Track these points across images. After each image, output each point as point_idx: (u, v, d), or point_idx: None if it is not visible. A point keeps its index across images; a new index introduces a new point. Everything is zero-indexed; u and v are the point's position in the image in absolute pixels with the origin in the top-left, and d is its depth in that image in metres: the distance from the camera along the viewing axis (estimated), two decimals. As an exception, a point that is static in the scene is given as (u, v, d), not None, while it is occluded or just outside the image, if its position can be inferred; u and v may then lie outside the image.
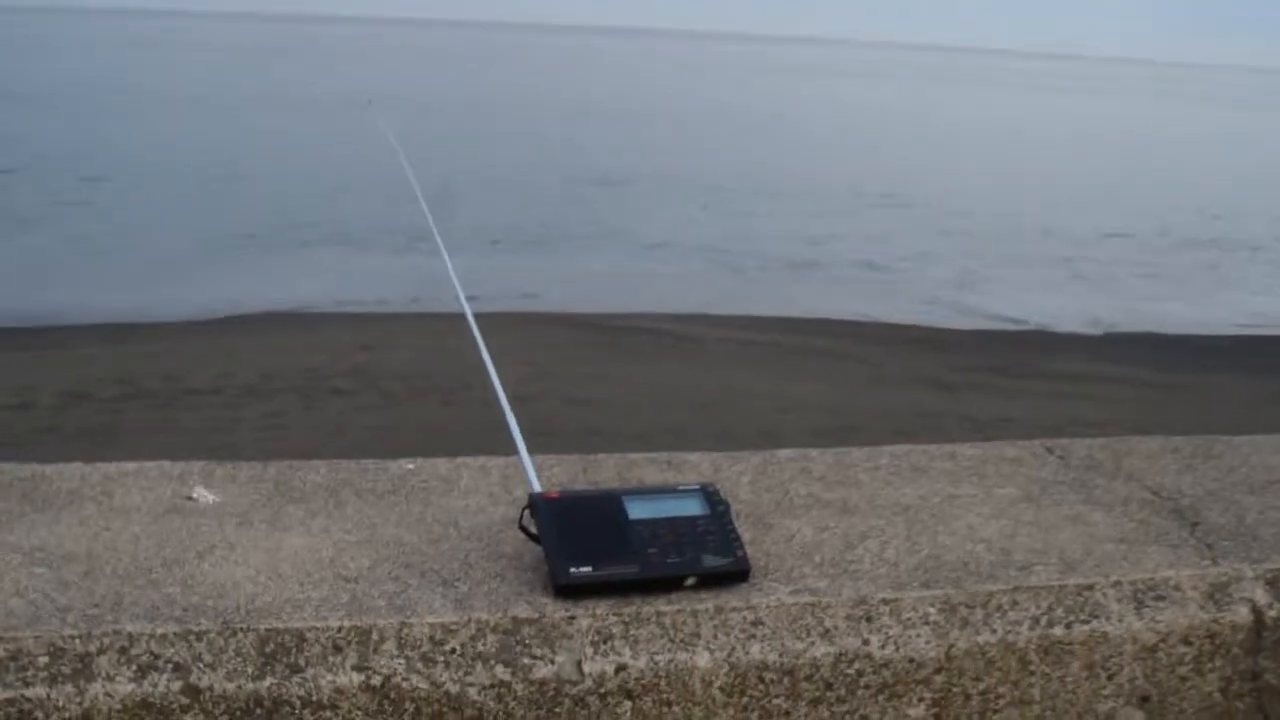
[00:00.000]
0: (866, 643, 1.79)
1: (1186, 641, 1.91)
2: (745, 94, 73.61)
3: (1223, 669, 1.93)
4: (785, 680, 1.76)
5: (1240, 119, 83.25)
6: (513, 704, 1.67)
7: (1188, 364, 14.28)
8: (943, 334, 15.48)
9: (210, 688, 1.60)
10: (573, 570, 1.76)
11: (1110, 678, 1.88)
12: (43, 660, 1.59)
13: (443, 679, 1.66)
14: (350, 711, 1.64)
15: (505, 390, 2.11)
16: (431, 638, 1.68)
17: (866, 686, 1.79)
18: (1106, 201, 30.39)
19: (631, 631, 1.73)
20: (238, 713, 1.61)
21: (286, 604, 1.71)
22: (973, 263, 21.07)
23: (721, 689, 1.74)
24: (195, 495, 2.07)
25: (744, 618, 1.77)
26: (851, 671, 1.78)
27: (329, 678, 1.63)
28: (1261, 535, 2.11)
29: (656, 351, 13.70)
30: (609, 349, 13.69)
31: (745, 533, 2.00)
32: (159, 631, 1.63)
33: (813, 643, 1.77)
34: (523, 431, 2.04)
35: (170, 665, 1.61)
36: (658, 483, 2.21)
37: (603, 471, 2.28)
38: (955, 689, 1.82)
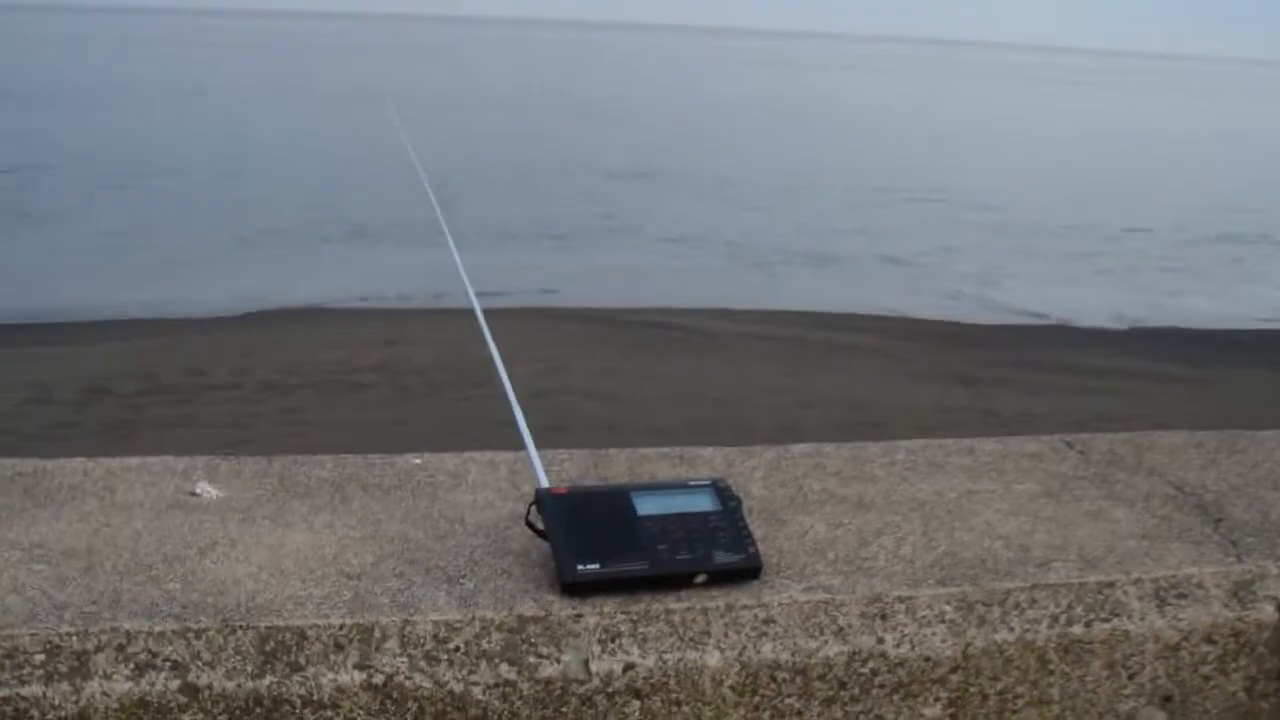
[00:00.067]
0: (881, 641, 1.75)
1: (1210, 640, 1.86)
2: (755, 88, 73.45)
3: (1247, 668, 1.88)
4: (798, 680, 1.72)
5: (1251, 112, 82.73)
6: (518, 703, 1.64)
7: (1213, 358, 14.18)
8: (966, 328, 15.41)
9: (209, 686, 1.57)
10: (580, 567, 1.72)
11: (1131, 677, 1.84)
12: (39, 658, 1.56)
13: (446, 678, 1.62)
14: (352, 711, 1.60)
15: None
16: (435, 636, 1.65)
17: (881, 686, 1.75)
18: (1126, 196, 30.23)
19: (640, 630, 1.69)
20: (237, 712, 1.58)
21: (288, 601, 1.68)
22: (995, 257, 20.98)
23: (732, 688, 1.70)
24: (199, 491, 2.04)
25: (755, 615, 1.73)
26: (866, 671, 1.74)
27: (330, 676, 1.60)
28: None
29: (675, 347, 13.66)
30: (627, 344, 13.65)
31: (757, 529, 1.96)
32: (157, 629, 1.60)
33: (826, 641, 1.73)
34: (533, 427, 2.01)
35: (168, 664, 1.58)
36: (669, 478, 2.17)
37: (614, 466, 2.24)
38: (972, 689, 1.78)
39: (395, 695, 1.61)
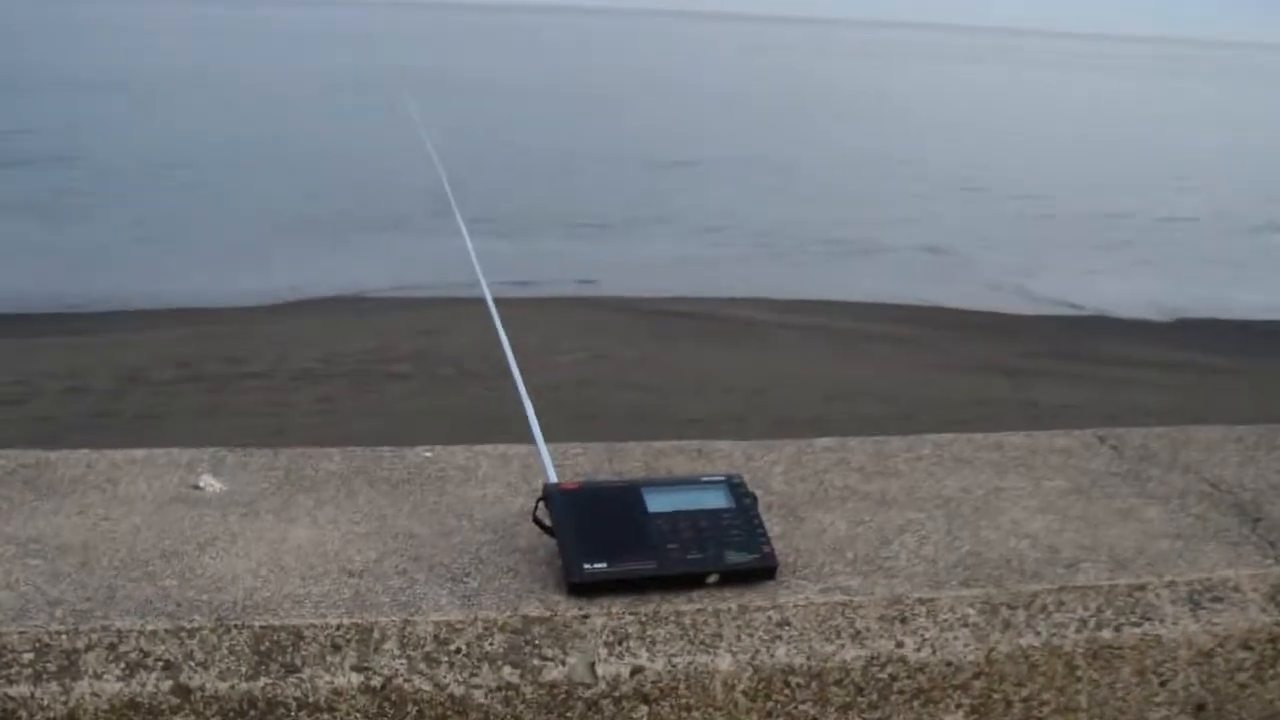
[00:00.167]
0: (900, 645, 1.68)
1: (1246, 646, 1.78)
2: (772, 76, 73.03)
3: None
4: (813, 684, 1.65)
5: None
6: (521, 708, 1.58)
7: (1258, 349, 13.99)
8: (1006, 319, 15.28)
9: (201, 688, 1.52)
10: (587, 567, 1.66)
11: (1163, 684, 1.76)
12: (27, 657, 1.52)
13: (447, 681, 1.56)
14: (348, 714, 1.55)
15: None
16: (436, 637, 1.59)
17: (900, 692, 1.68)
18: (1169, 185, 29.88)
19: (649, 632, 1.63)
20: (230, 714, 1.53)
21: (286, 599, 1.63)
22: (1035, 247, 20.79)
23: (744, 693, 1.63)
24: (202, 484, 1.99)
25: (769, 618, 1.67)
26: (884, 676, 1.67)
27: (326, 678, 1.55)
28: None
29: (712, 336, 13.61)
30: (663, 334, 13.61)
31: (775, 526, 1.90)
32: (149, 628, 1.55)
33: (843, 645, 1.67)
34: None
35: (160, 663, 1.53)
36: (684, 473, 2.11)
37: (629, 461, 2.18)
38: (995, 695, 1.71)
39: (394, 698, 1.55)
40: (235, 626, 1.57)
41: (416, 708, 1.56)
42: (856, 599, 1.71)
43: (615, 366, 11.66)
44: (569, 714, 1.59)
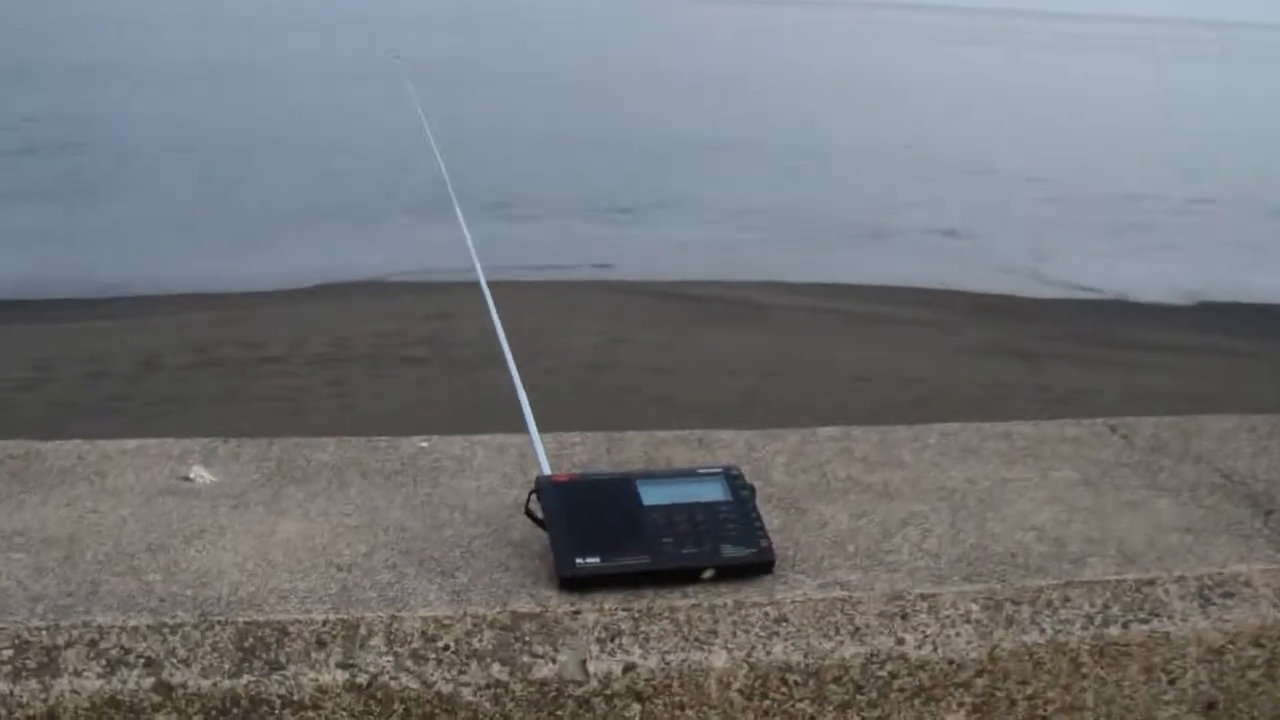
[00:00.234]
0: (901, 642, 1.64)
1: (1258, 644, 1.74)
2: (778, 60, 72.63)
3: None
4: (810, 682, 1.61)
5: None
6: (510, 706, 1.54)
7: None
8: (1022, 302, 15.19)
9: (183, 685, 1.49)
10: (579, 561, 1.62)
11: (1172, 682, 1.72)
12: (6, 653, 1.49)
13: (434, 678, 1.53)
14: (334, 712, 1.52)
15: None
16: (424, 633, 1.56)
17: (900, 690, 1.64)
18: (1182, 167, 29.68)
19: (642, 628, 1.59)
20: (212, 712, 1.50)
21: (271, 594, 1.60)
22: (1051, 230, 20.67)
23: (740, 691, 1.60)
24: (193, 475, 1.96)
25: (766, 614, 1.63)
26: (884, 673, 1.63)
27: (311, 675, 1.51)
28: None
29: (732, 320, 13.56)
30: (684, 317, 13.57)
31: (775, 519, 1.86)
32: (131, 624, 1.52)
33: (841, 641, 1.63)
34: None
35: (141, 660, 1.50)
36: (684, 463, 2.07)
37: (628, 451, 2.14)
38: (999, 693, 1.67)
39: (379, 696, 1.52)
40: (219, 622, 1.54)
41: (403, 705, 1.52)
42: (856, 594, 1.67)
43: (633, 350, 11.62)
44: (559, 712, 1.56)
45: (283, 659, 1.52)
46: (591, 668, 1.56)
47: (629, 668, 1.57)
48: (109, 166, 23.75)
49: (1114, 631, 1.69)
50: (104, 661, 1.50)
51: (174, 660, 1.50)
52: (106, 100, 33.49)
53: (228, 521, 1.81)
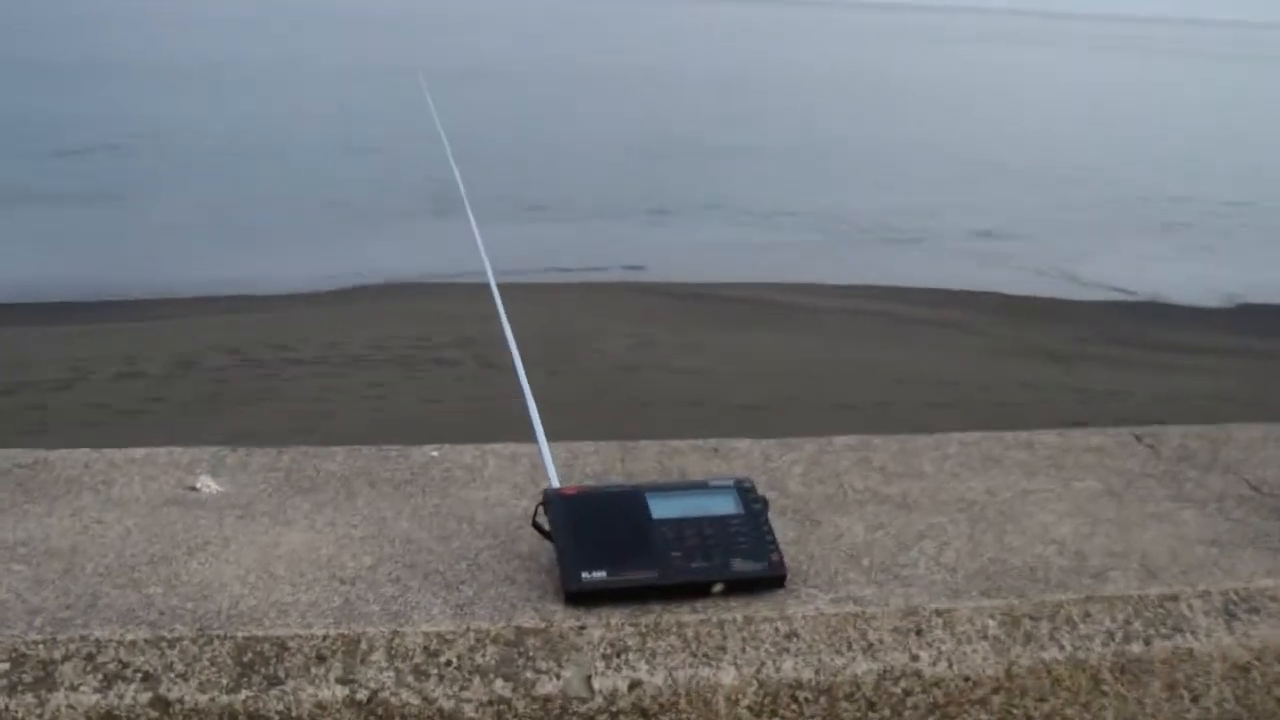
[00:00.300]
0: (915, 658, 1.60)
1: None
2: (818, 59, 72.44)
3: None
4: (821, 700, 1.57)
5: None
6: None
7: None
8: (1057, 304, 15.09)
9: (181, 700, 1.47)
10: (585, 575, 1.59)
11: (1195, 700, 1.67)
12: (3, 667, 1.47)
13: (435, 694, 1.50)
14: None
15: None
16: (426, 648, 1.53)
17: (914, 708, 1.60)
18: (1223, 168, 29.39)
19: (649, 644, 1.56)
20: None
21: (272, 608, 1.57)
22: (1090, 231, 20.52)
23: (749, 709, 1.56)
24: (199, 485, 1.94)
25: (776, 629, 1.59)
26: (898, 690, 1.59)
27: (310, 691, 1.49)
28: None
29: (764, 322, 13.52)
30: (714, 319, 13.54)
31: (789, 531, 1.82)
32: (129, 638, 1.50)
33: (854, 658, 1.59)
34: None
35: (139, 675, 1.48)
36: (699, 473, 2.04)
37: (642, 460, 2.10)
38: (1016, 711, 1.62)
39: (380, 712, 1.49)
40: (218, 637, 1.51)
41: None
42: (869, 610, 1.63)
43: (665, 352, 11.60)
44: None
45: (281, 674, 1.49)
46: (597, 684, 1.53)
47: (635, 684, 1.53)
48: (142, 168, 23.87)
49: (1136, 648, 1.65)
50: (101, 675, 1.47)
51: (171, 675, 1.48)
52: (137, 101, 33.72)
53: (232, 533, 1.79)
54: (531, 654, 1.53)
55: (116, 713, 1.46)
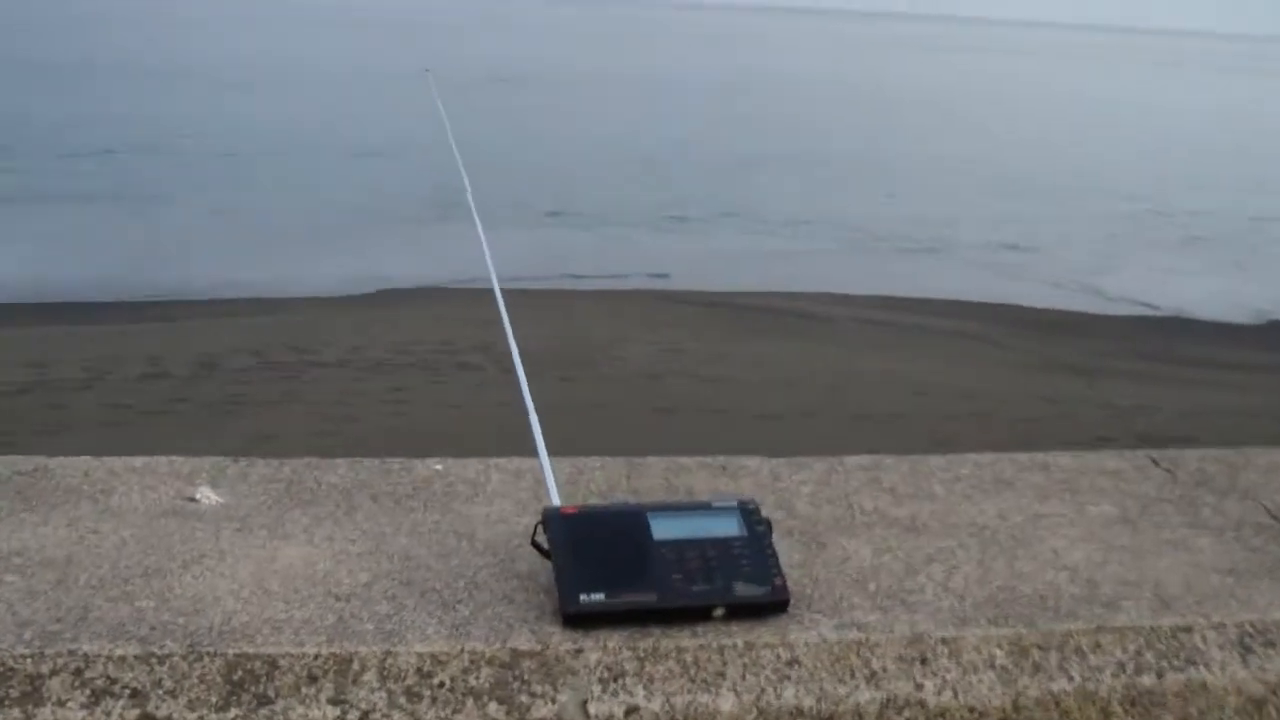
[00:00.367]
0: (920, 688, 1.56)
1: None
2: (849, 69, 72.27)
3: None
4: None
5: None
6: None
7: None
8: (1080, 318, 14.98)
9: (169, 717, 1.44)
10: (583, 597, 1.56)
11: None
12: None
13: (428, 716, 1.47)
14: None
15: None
16: (419, 669, 1.50)
17: None
18: (1241, 182, 29.19)
19: (647, 668, 1.53)
20: None
21: (265, 625, 1.55)
22: (1116, 245, 20.40)
23: None
24: (198, 496, 1.92)
25: (778, 655, 1.56)
26: None
27: (300, 711, 1.46)
28: None
29: (786, 331, 13.46)
30: (739, 328, 13.49)
31: (795, 553, 1.79)
32: (118, 653, 1.48)
33: (856, 686, 1.55)
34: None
35: (127, 691, 1.45)
36: (706, 491, 2.00)
37: (648, 477, 2.07)
38: None
39: None
40: (208, 654, 1.49)
41: None
42: (873, 637, 1.59)
43: (688, 360, 11.56)
44: None
45: (271, 693, 1.47)
46: (592, 709, 1.50)
47: (632, 710, 1.50)
48: (168, 170, 23.95)
49: (1147, 680, 1.61)
50: (89, 691, 1.45)
51: (160, 692, 1.45)
52: (161, 102, 33.86)
53: (229, 546, 1.76)
54: (527, 677, 1.51)
55: None
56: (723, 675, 1.53)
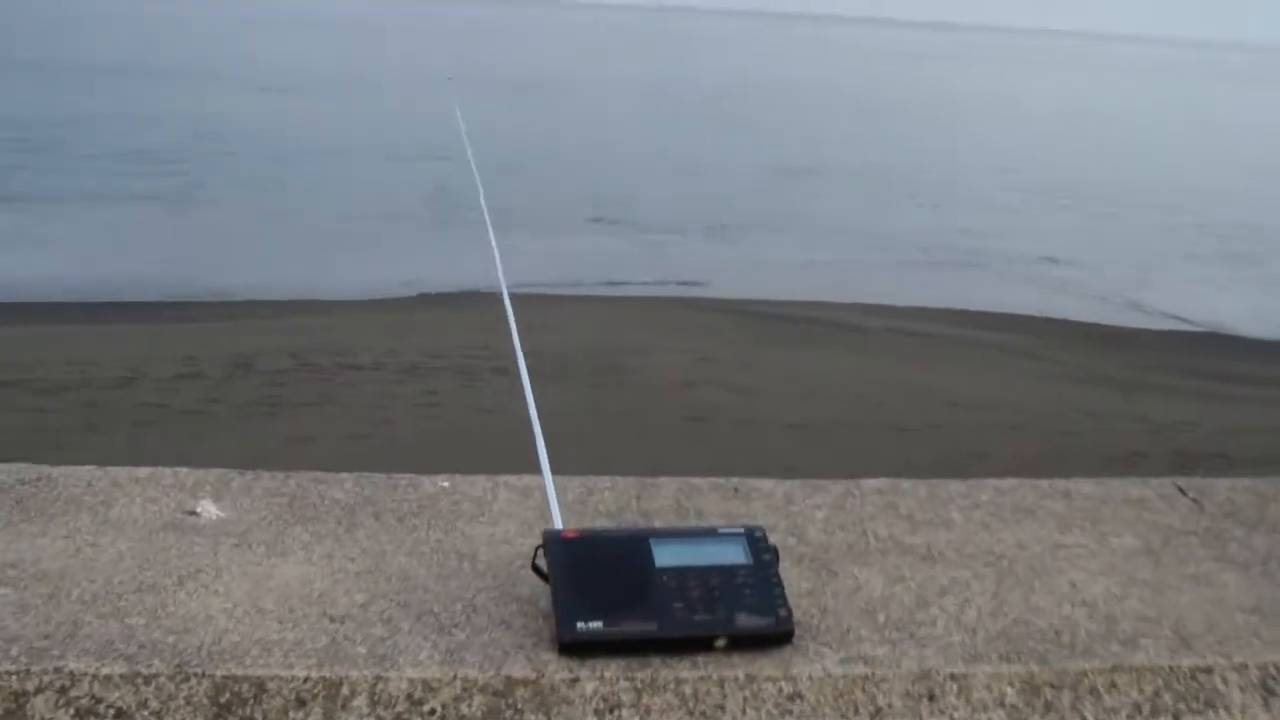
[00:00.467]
0: None
1: None
2: (866, 77, 71.94)
3: None
4: None
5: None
6: None
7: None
8: (1119, 332, 14.84)
9: None
10: (580, 625, 1.52)
11: None
12: None
13: None
14: None
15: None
16: (409, 695, 1.46)
17: None
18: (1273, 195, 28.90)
19: (644, 700, 1.48)
20: None
21: (255, 645, 1.51)
22: (1153, 260, 20.22)
23: None
24: (199, 510, 1.89)
25: (780, 689, 1.51)
26: None
27: None
28: None
29: (820, 341, 13.39)
30: (772, 337, 13.43)
31: (804, 581, 1.74)
32: (104, 672, 1.45)
33: None
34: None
35: (112, 711, 1.42)
36: (718, 514, 1.96)
37: (659, 499, 2.03)
38: None
39: None
40: (195, 674, 1.45)
41: None
42: (880, 672, 1.54)
43: (721, 369, 11.50)
44: None
45: (258, 717, 1.43)
46: None
47: None
48: (207, 172, 24.07)
49: None
50: (73, 710, 1.42)
51: (145, 712, 1.43)
52: (200, 104, 34.06)
53: (225, 562, 1.73)
54: (520, 706, 1.47)
55: None
56: (722, 708, 1.49)
